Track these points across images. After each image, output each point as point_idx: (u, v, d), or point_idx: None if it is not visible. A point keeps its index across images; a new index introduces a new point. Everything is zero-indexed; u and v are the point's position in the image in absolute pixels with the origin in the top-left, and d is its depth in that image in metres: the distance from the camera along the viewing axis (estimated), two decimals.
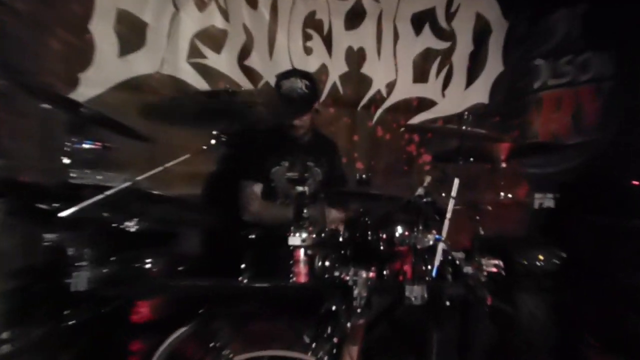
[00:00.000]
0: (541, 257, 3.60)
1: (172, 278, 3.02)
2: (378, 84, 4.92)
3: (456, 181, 3.04)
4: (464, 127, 3.14)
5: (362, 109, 4.90)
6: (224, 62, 4.41)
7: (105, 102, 3.93)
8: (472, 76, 5.15)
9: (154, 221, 2.96)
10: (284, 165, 3.75)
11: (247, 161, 3.68)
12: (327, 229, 2.97)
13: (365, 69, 4.85)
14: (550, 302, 3.54)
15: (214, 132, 2.78)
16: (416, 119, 5.03)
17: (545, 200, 4.45)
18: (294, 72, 3.73)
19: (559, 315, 3.55)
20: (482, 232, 3.09)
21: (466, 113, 3.13)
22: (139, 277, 2.89)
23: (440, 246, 2.92)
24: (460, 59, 5.08)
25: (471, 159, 3.22)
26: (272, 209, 3.60)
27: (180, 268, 3.11)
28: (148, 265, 2.91)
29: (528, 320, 3.46)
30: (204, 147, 2.75)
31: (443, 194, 3.04)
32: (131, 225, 2.82)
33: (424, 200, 3.07)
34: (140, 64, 4.12)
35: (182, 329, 2.92)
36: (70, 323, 2.72)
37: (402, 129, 4.88)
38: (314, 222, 2.91)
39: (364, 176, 3.19)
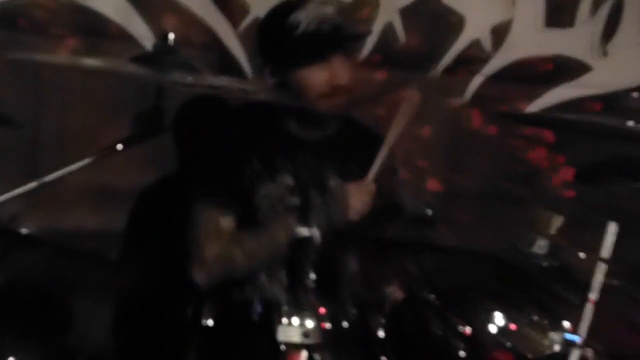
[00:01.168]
0: None
1: None
2: (475, 28, 3.97)
3: (612, 227, 2.54)
4: (632, 122, 2.62)
5: (443, 75, 3.93)
6: None
7: None
8: None
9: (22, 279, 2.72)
10: (281, 183, 2.83)
11: (207, 172, 2.86)
12: (350, 312, 2.48)
13: None
14: None
15: (140, 118, 2.45)
16: (548, 98, 3.99)
17: None
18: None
19: None
20: None
21: (636, 93, 3.00)
22: None
23: (575, 356, 2.52)
24: None
25: None
26: (255, 255, 2.80)
27: None
28: None
29: None
30: (119, 147, 2.42)
31: (582, 254, 2.71)
32: None
33: (546, 263, 2.79)
34: None
35: None
36: None
37: (521, 118, 3.91)
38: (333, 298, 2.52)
39: (429, 210, 2.88)
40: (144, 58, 2.38)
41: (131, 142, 2.47)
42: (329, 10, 2.80)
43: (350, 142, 2.91)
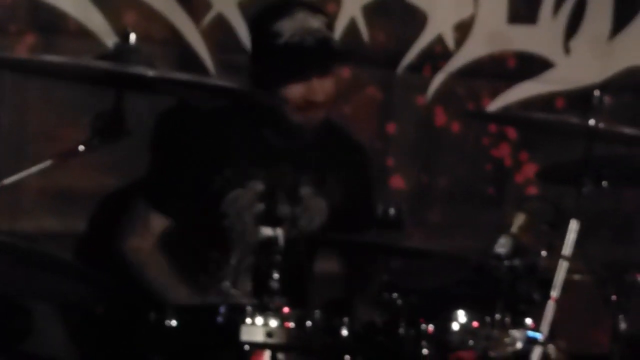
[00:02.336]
0: None
1: None
2: (438, 24, 3.92)
3: (573, 225, 2.54)
4: (594, 120, 2.62)
5: (407, 72, 3.86)
6: None
7: None
8: (623, 14, 4.11)
9: None
10: (251, 189, 3.01)
11: (157, 173, 3.11)
12: (316, 312, 2.45)
13: None
14: None
15: (100, 119, 2.29)
16: (511, 95, 4.00)
17: None
18: (297, 4, 3.03)
19: None
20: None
21: (597, 91, 2.62)
22: None
23: (537, 353, 2.47)
24: None
25: (604, 183, 2.78)
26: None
27: None
28: None
29: None
30: (81, 148, 2.28)
31: (544, 252, 2.57)
32: None
33: (511, 262, 2.57)
34: None
35: None
36: None
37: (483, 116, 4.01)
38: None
39: (392, 209, 2.62)
40: (106, 57, 2.34)
41: (92, 144, 2.38)
42: (316, 23, 2.92)
43: (328, 149, 3.08)
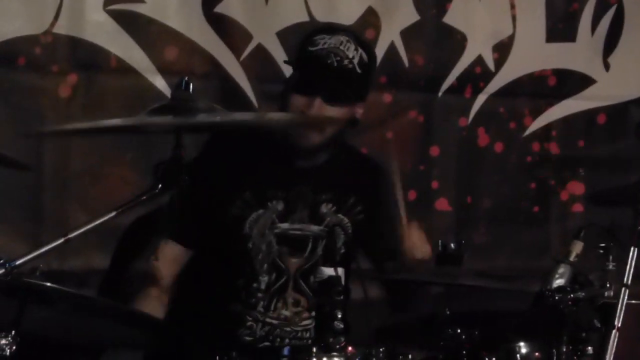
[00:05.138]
0: None
1: None
2: (478, 45, 3.93)
3: (633, 253, 2.52)
4: None
5: (447, 95, 3.89)
6: (174, 9, 3.46)
7: None
8: None
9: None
10: (271, 209, 2.91)
11: (179, 204, 2.77)
12: (380, 350, 2.39)
13: (452, 18, 3.85)
14: None
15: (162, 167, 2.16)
16: (553, 113, 4.01)
17: None
18: (351, 30, 3.05)
19: None
20: None
21: None
22: None
23: None
24: None
25: None
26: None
27: None
28: None
29: None
30: (143, 198, 2.19)
31: (608, 284, 2.51)
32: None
33: (575, 294, 2.49)
34: (17, 19, 3.35)
35: None
36: None
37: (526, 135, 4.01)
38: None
39: (452, 244, 2.61)
40: (164, 109, 2.32)
41: (155, 193, 2.36)
42: (352, 53, 2.87)
43: (343, 170, 2.99)
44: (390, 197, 3.15)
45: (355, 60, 2.88)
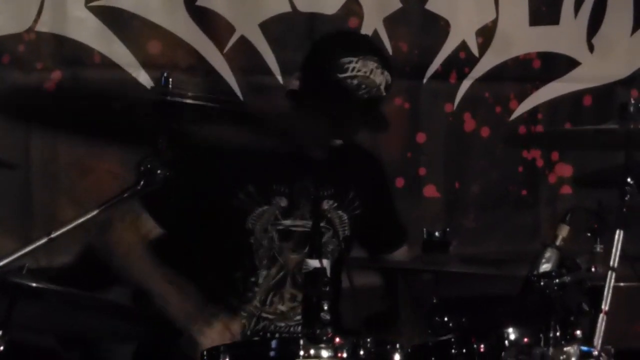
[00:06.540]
0: None
1: None
2: (461, 31, 3.92)
3: (619, 235, 2.50)
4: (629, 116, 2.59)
5: (432, 81, 3.88)
6: (156, 3, 3.44)
7: None
8: None
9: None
10: (274, 205, 2.91)
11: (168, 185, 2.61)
12: (368, 341, 2.36)
13: (434, 4, 3.83)
14: None
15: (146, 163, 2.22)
16: (539, 96, 4.01)
17: None
18: (375, 49, 2.97)
19: None
20: None
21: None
22: None
23: None
24: None
25: None
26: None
27: None
28: None
29: None
30: (125, 195, 2.25)
31: (594, 268, 2.60)
32: None
33: (561, 279, 2.49)
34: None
35: None
36: None
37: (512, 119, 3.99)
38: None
39: (437, 232, 2.68)
40: (146, 107, 2.33)
41: (137, 190, 2.39)
42: (379, 79, 2.85)
43: (346, 165, 3.00)
44: (386, 189, 3.30)
45: (382, 86, 2.89)
